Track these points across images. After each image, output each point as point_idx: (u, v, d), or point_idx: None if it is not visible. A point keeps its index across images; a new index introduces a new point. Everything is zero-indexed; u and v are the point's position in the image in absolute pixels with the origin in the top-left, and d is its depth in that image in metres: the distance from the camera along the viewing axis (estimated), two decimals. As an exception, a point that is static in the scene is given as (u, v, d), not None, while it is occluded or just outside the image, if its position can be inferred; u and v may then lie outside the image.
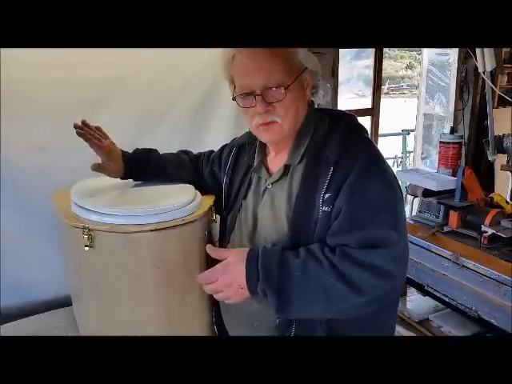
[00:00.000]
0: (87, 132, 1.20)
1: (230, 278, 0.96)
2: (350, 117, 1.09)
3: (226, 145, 1.32)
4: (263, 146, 1.14)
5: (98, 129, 1.26)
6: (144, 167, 1.30)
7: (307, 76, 1.04)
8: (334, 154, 0.99)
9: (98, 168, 1.23)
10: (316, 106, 1.15)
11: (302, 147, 1.05)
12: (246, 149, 1.20)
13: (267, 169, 1.13)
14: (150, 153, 1.34)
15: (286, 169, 1.06)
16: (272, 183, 1.09)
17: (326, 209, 0.97)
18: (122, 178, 1.30)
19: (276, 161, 1.11)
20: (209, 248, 1.02)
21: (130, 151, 1.33)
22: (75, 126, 1.19)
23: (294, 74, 1.00)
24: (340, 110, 1.15)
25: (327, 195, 0.97)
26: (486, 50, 2.35)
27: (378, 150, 1.03)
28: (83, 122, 1.21)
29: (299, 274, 0.92)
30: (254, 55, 0.98)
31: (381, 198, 0.96)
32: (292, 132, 1.05)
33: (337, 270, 0.91)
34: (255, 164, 1.14)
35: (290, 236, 1.00)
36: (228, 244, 1.16)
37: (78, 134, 1.18)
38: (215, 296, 1.00)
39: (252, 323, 1.07)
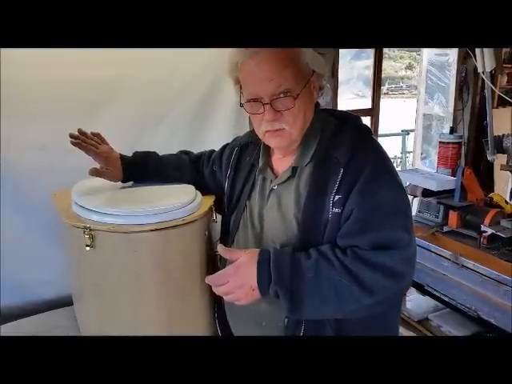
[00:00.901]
0: (82, 140, 1.19)
1: (241, 279, 0.95)
2: (356, 118, 1.10)
3: (227, 144, 1.31)
4: (268, 146, 1.13)
5: (96, 135, 1.25)
6: (144, 170, 1.30)
7: (314, 79, 1.03)
8: (343, 155, 0.99)
9: (95, 173, 1.22)
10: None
11: (311, 149, 1.05)
12: (248, 148, 1.20)
13: (272, 170, 1.12)
14: (150, 156, 1.33)
15: (294, 170, 1.06)
16: (278, 184, 1.08)
17: (336, 210, 0.97)
18: (122, 182, 1.30)
19: (282, 162, 1.11)
20: (220, 248, 1.01)
21: (131, 151, 1.32)
22: (70, 136, 1.18)
23: (303, 80, 0.99)
24: (344, 111, 1.15)
25: (337, 197, 0.97)
26: (486, 50, 2.35)
27: (385, 152, 1.04)
28: (79, 131, 1.21)
29: (311, 276, 0.92)
30: (263, 63, 0.96)
31: (392, 200, 0.97)
32: (300, 137, 1.05)
33: (349, 271, 0.91)
34: (260, 165, 1.13)
35: (300, 237, 1.00)
36: (232, 245, 1.15)
37: (73, 143, 1.18)
38: (225, 298, 0.99)
39: (260, 323, 1.07)
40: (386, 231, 0.94)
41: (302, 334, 1.01)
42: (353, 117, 1.10)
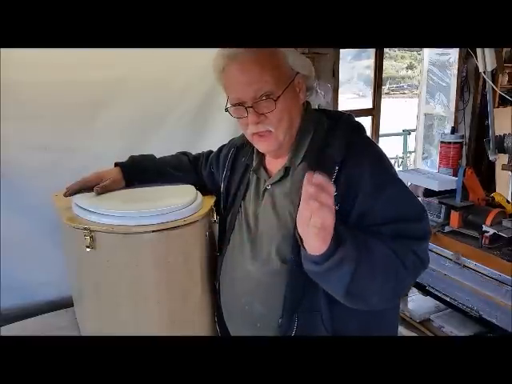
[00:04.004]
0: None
1: (328, 206, 0.78)
2: (349, 116, 1.10)
3: (224, 145, 1.31)
4: None
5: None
6: (143, 170, 1.30)
7: (299, 80, 1.04)
8: (338, 153, 0.99)
9: (104, 190, 1.21)
10: (316, 107, 1.15)
11: (303, 149, 1.05)
12: (244, 149, 1.20)
13: (266, 169, 1.13)
14: (147, 157, 1.34)
15: (286, 170, 1.06)
16: (271, 184, 1.09)
17: None
18: (125, 185, 1.29)
19: (275, 162, 1.11)
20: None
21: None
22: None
23: (285, 82, 1.00)
24: (337, 110, 1.15)
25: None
26: (487, 50, 2.34)
27: (380, 149, 1.05)
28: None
29: (366, 252, 0.88)
30: (242, 68, 0.98)
31: (403, 193, 0.99)
32: (288, 139, 1.05)
33: (395, 253, 0.91)
34: (254, 165, 1.14)
35: (295, 236, 0.99)
36: (228, 245, 1.15)
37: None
38: (307, 201, 0.78)
39: (255, 324, 1.07)
40: (408, 223, 0.95)
41: (294, 334, 1.00)
42: (345, 115, 1.10)
